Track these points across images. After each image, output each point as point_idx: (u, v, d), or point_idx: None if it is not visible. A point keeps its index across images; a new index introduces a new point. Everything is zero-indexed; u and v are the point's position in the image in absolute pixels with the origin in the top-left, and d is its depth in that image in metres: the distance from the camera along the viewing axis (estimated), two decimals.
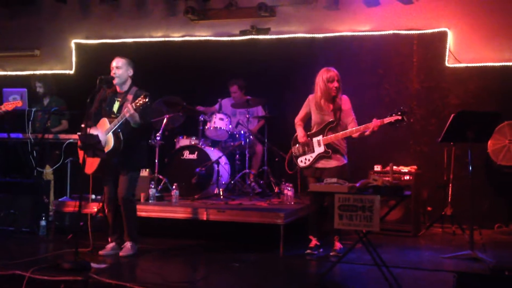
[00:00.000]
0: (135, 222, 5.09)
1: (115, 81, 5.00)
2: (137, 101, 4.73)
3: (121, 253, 4.94)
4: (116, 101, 5.03)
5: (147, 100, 4.71)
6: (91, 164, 4.93)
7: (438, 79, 7.13)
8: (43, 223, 5.91)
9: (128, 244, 4.99)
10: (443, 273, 4.50)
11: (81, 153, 4.93)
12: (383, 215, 4.35)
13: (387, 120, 4.80)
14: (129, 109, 4.73)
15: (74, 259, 4.39)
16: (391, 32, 7.28)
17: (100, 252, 4.95)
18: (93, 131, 4.90)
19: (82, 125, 4.88)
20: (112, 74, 4.99)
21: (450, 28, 7.13)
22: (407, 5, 7.33)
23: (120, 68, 4.98)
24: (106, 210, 5.11)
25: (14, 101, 5.97)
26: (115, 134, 4.85)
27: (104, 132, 4.89)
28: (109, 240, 5.10)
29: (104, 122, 4.93)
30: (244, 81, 7.25)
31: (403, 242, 5.85)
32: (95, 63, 8.05)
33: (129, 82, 5.07)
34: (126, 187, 4.97)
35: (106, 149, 4.86)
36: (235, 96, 7.24)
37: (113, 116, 4.93)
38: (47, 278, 4.13)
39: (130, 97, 4.94)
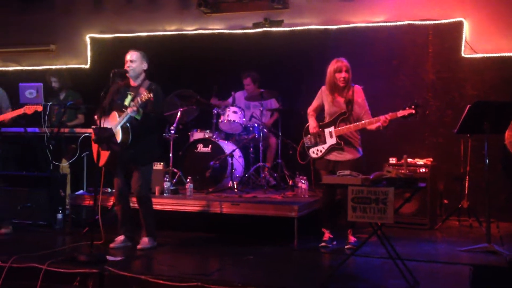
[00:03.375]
0: (152, 218, 5.12)
1: (129, 74, 5.01)
2: (141, 96, 4.75)
3: (138, 246, 4.98)
4: (129, 95, 5.04)
5: (151, 95, 4.71)
6: (102, 157, 4.97)
7: (454, 70, 7.03)
8: (59, 216, 5.97)
9: (145, 239, 5.02)
10: (459, 266, 4.45)
11: (95, 147, 4.96)
12: (397, 207, 4.32)
13: (400, 113, 4.72)
14: (132, 109, 4.78)
15: (90, 252, 4.43)
16: (406, 22, 7.19)
17: (111, 245, 5.00)
18: (105, 124, 4.92)
19: (95, 117, 4.92)
20: (126, 67, 4.99)
21: (466, 18, 7.02)
22: None
23: (134, 62, 4.99)
24: (116, 204, 5.14)
25: (35, 106, 6.02)
26: (123, 128, 4.88)
27: (114, 125, 4.92)
28: (119, 233, 5.13)
29: (114, 115, 4.97)
30: (258, 74, 7.24)
31: (419, 235, 5.80)
32: (110, 57, 8.09)
33: (143, 75, 5.08)
34: (140, 183, 4.99)
35: None
36: (248, 88, 7.23)
37: (123, 109, 4.93)
38: (63, 270, 4.19)
39: (142, 90, 4.94)
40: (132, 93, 5.03)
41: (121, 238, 5.08)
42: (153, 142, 5.13)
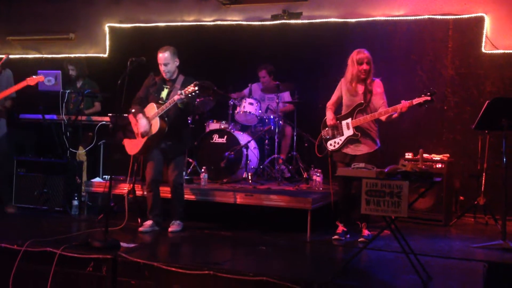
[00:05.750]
0: (183, 204, 5.34)
1: (166, 76, 5.20)
2: (186, 88, 4.92)
3: (169, 229, 5.18)
4: (165, 88, 5.23)
5: (196, 88, 4.90)
6: (136, 145, 5.08)
7: (473, 66, 6.94)
8: (75, 202, 6.06)
9: (176, 222, 5.23)
10: (473, 262, 4.41)
11: (132, 119, 5.18)
12: (411, 201, 4.29)
13: (416, 101, 4.71)
14: (180, 96, 4.93)
15: (104, 238, 4.47)
16: (426, 16, 7.12)
17: (140, 229, 5.14)
18: (141, 115, 5.13)
19: (132, 110, 5.15)
20: (162, 72, 5.19)
21: (487, 13, 6.92)
22: None
23: (167, 65, 5.17)
24: (148, 190, 5.26)
25: (37, 77, 5.98)
26: (161, 118, 5.05)
27: (151, 116, 5.09)
28: (148, 218, 5.25)
29: (152, 106, 5.14)
30: (273, 66, 7.22)
31: (434, 231, 5.76)
32: (128, 46, 8.16)
33: (176, 71, 5.25)
34: (177, 172, 5.22)
35: (153, 132, 5.07)
36: (264, 81, 7.23)
37: (160, 102, 5.12)
38: (77, 255, 4.24)
39: (178, 85, 5.14)
40: (168, 86, 5.21)
41: (149, 222, 5.22)
42: (188, 133, 5.42)
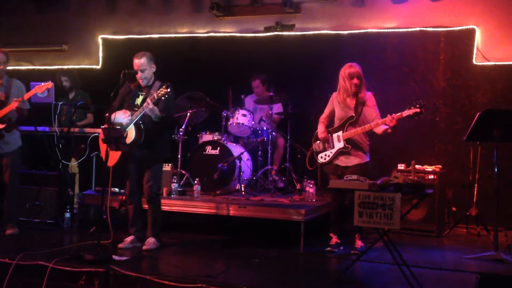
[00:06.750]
0: (160, 218, 5.15)
1: (143, 83, 5.07)
2: (158, 91, 4.80)
3: (144, 247, 5.00)
4: (140, 95, 5.10)
5: (168, 90, 4.78)
6: (113, 157, 5.00)
7: (465, 77, 6.99)
8: (67, 215, 6.02)
9: (151, 240, 5.04)
10: (465, 273, 4.43)
11: (103, 146, 4.99)
12: (404, 213, 4.30)
13: (405, 113, 4.76)
14: (148, 104, 4.79)
15: (96, 251, 4.45)
16: (417, 29, 7.17)
17: (119, 245, 4.99)
18: (116, 117, 4.96)
19: (106, 115, 4.97)
20: (138, 78, 5.05)
21: (478, 25, 6.99)
22: (434, 2, 7.20)
23: (144, 71, 5.04)
24: (128, 203, 5.16)
25: (46, 84, 5.87)
26: (136, 125, 4.92)
27: (125, 121, 4.95)
28: (129, 233, 5.14)
29: (125, 112, 5.00)
30: (266, 76, 7.24)
31: (426, 242, 5.77)
32: (122, 58, 8.07)
33: (153, 77, 5.14)
34: (152, 182, 5.04)
35: (127, 141, 4.93)
36: (257, 91, 7.24)
37: (135, 109, 4.98)
38: (69, 269, 4.22)
39: (153, 92, 4.98)
40: (143, 93, 5.09)
41: (130, 238, 5.10)
42: (165, 142, 5.21)
